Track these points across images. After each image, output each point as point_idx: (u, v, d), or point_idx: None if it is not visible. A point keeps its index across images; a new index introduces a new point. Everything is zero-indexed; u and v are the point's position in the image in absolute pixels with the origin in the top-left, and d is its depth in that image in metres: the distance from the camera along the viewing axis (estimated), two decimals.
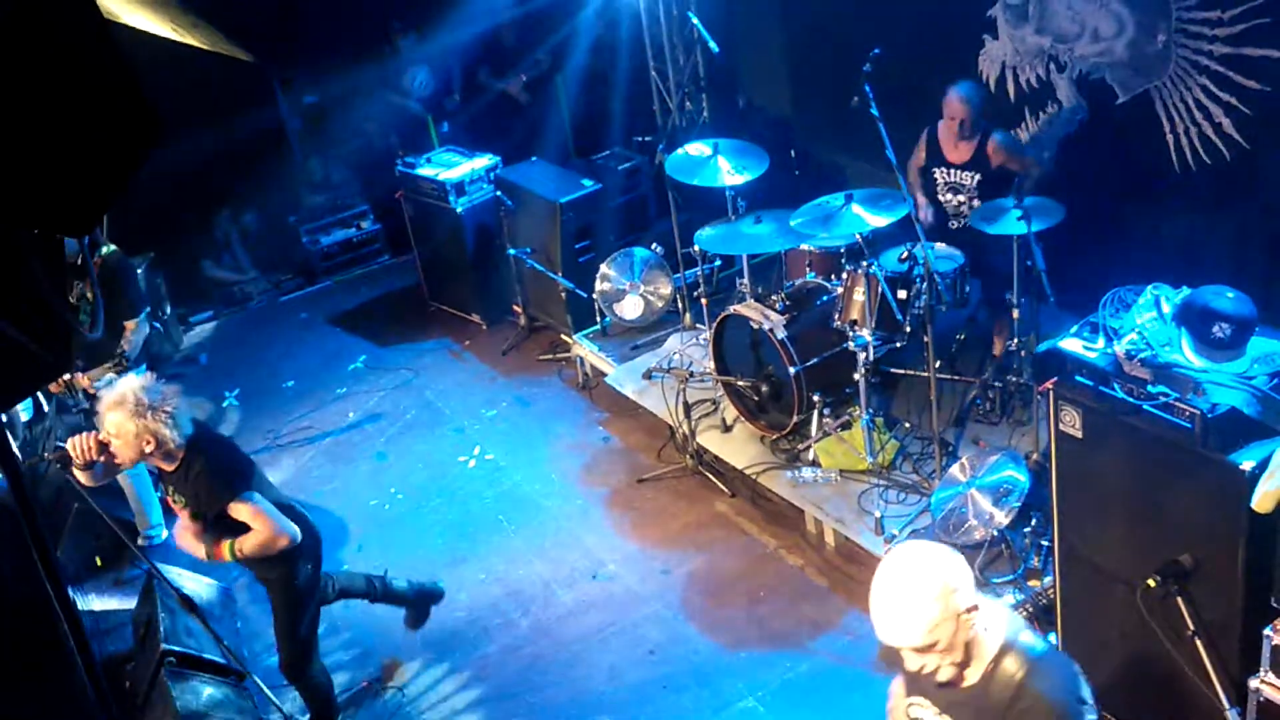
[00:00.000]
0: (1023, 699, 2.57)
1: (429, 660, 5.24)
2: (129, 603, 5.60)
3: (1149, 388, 3.75)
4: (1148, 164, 5.79)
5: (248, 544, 4.22)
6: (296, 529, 4.27)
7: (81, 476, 4.25)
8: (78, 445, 4.08)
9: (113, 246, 5.70)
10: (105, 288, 5.66)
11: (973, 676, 2.64)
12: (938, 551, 2.60)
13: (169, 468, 4.22)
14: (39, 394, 6.17)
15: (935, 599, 2.53)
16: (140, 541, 6.04)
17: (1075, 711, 2.57)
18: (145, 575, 5.42)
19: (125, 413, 4.04)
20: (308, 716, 4.81)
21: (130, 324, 5.69)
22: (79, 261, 5.43)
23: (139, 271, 7.30)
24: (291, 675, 4.61)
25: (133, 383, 4.12)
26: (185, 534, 4.33)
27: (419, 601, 5.23)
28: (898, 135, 5.18)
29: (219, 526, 4.26)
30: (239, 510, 4.18)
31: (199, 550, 4.31)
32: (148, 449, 4.10)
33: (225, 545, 4.24)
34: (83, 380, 5.60)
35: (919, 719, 2.83)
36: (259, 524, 4.20)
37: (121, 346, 5.63)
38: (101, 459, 4.13)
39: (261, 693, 4.78)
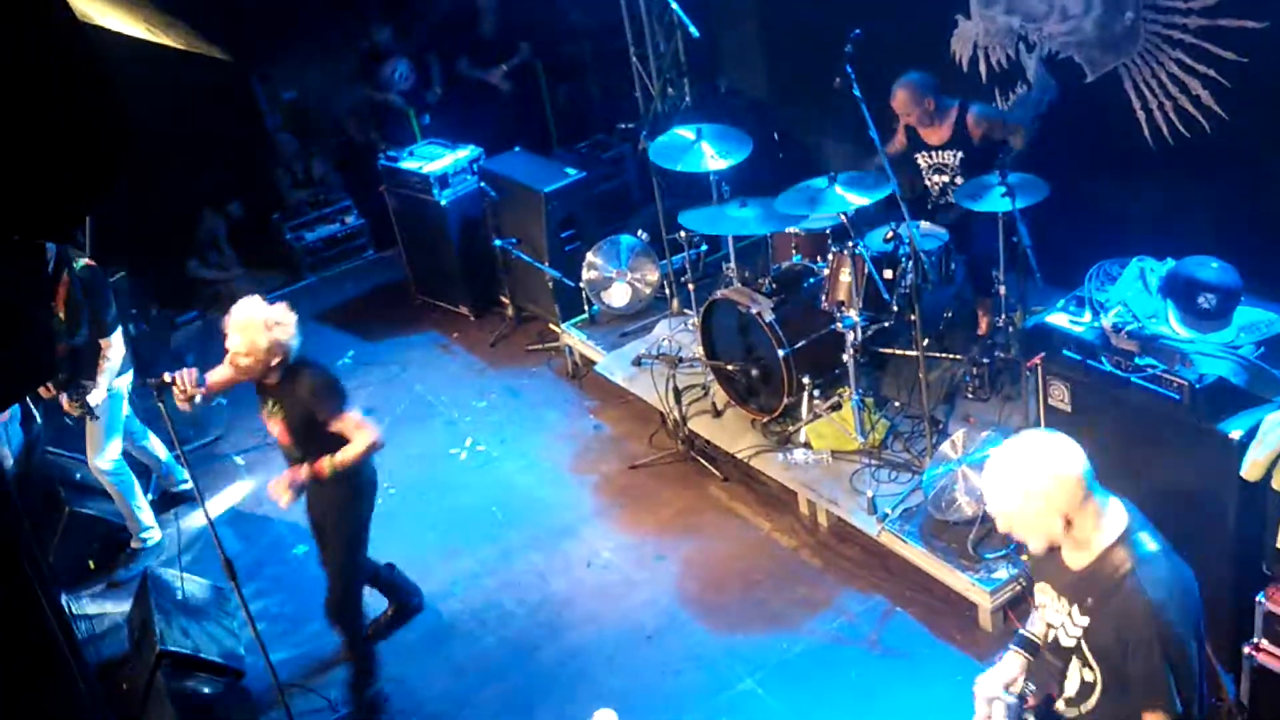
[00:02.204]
0: (1123, 590, 2.73)
1: (426, 653, 5.24)
2: (123, 605, 5.59)
3: (1136, 360, 3.77)
4: (1122, 140, 5.80)
5: (350, 452, 4.43)
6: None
7: (183, 406, 4.54)
8: (183, 380, 4.42)
9: (83, 261, 5.52)
10: (75, 304, 5.54)
11: (1082, 561, 2.83)
12: (1051, 451, 2.78)
13: (273, 381, 4.47)
14: (28, 400, 6.14)
15: (1020, 486, 2.76)
16: (134, 545, 6.02)
17: (1169, 610, 2.69)
18: (139, 577, 5.40)
19: (256, 330, 4.34)
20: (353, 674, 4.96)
21: (106, 342, 5.57)
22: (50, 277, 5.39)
23: (122, 274, 7.27)
24: (337, 616, 4.78)
25: (255, 302, 4.43)
26: (278, 483, 4.49)
27: (404, 599, 5.37)
28: (879, 116, 5.18)
29: (308, 441, 4.48)
30: (346, 421, 4.44)
31: (286, 487, 4.45)
32: (275, 361, 4.39)
33: (324, 461, 4.43)
34: (64, 404, 5.58)
35: (1042, 603, 3.04)
36: (362, 432, 4.45)
37: (85, 399, 5.54)
38: (198, 394, 4.47)
39: (259, 689, 4.79)
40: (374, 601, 5.29)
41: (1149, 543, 2.78)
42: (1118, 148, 5.87)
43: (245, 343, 4.37)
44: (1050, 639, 2.99)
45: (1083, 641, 2.86)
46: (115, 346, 5.61)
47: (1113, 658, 2.80)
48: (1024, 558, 3.22)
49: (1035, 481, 2.73)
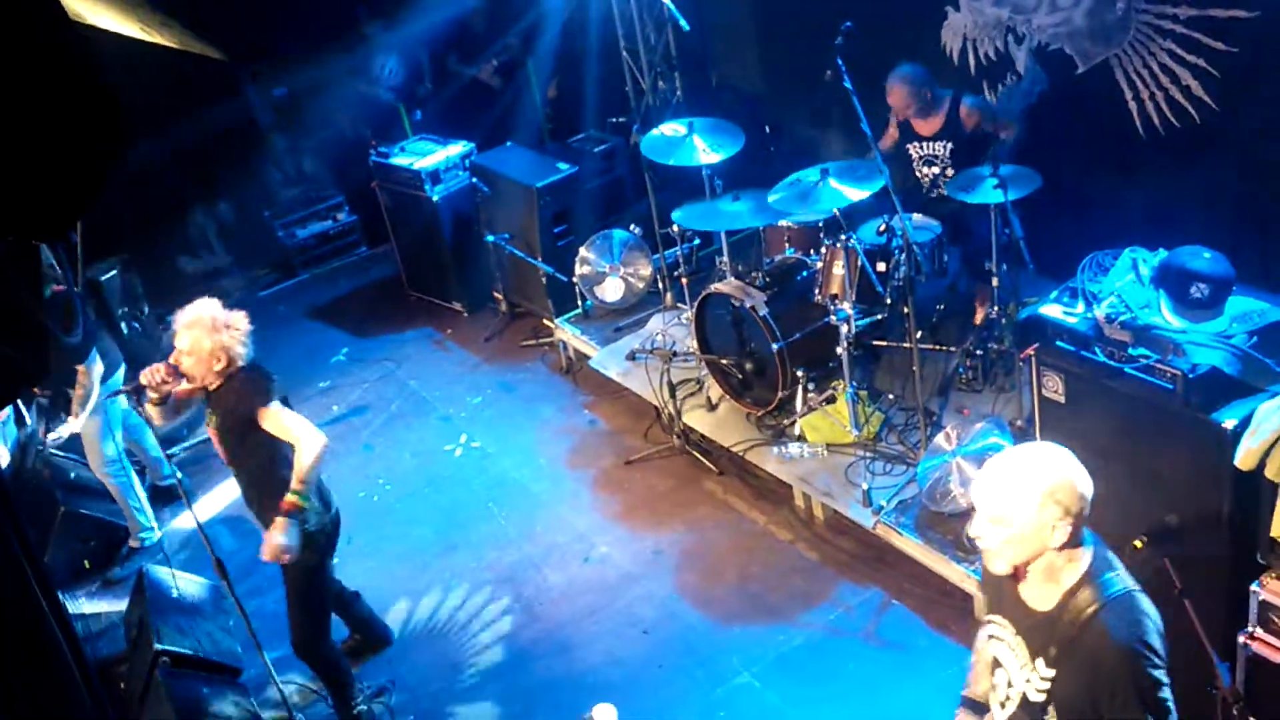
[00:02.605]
0: (1090, 633, 2.57)
1: (423, 648, 5.25)
2: (119, 604, 5.59)
3: (1130, 350, 3.78)
4: (1113, 131, 5.81)
5: (301, 470, 4.21)
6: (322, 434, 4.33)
7: (154, 414, 4.40)
8: (150, 375, 4.23)
9: (50, 288, 5.41)
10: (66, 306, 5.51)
11: (1050, 601, 2.65)
12: (1071, 461, 2.62)
13: (216, 388, 4.31)
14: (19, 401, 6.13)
15: (1042, 484, 2.55)
16: (133, 544, 6.02)
17: (1138, 655, 2.55)
18: (135, 576, 5.40)
19: (202, 329, 4.19)
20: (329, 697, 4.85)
21: (81, 369, 5.52)
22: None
23: (114, 273, 7.24)
24: (303, 653, 4.62)
25: (209, 303, 4.29)
26: (265, 548, 4.27)
27: (369, 639, 5.24)
28: (870, 108, 5.19)
29: (239, 450, 4.33)
30: (268, 416, 4.22)
31: (278, 534, 4.22)
32: (218, 366, 4.24)
33: (288, 497, 4.22)
34: (41, 432, 5.59)
35: (995, 635, 2.84)
36: (294, 430, 4.23)
37: (58, 431, 5.51)
38: (172, 388, 4.28)
39: (257, 687, 4.79)
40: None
41: (1116, 581, 2.62)
42: (1109, 138, 5.89)
43: (190, 341, 4.21)
44: (1018, 697, 2.78)
45: (1050, 695, 2.68)
46: (90, 372, 5.59)
47: (1082, 711, 2.63)
48: (978, 588, 2.97)
49: (1057, 485, 2.55)
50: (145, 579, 5.24)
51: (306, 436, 4.25)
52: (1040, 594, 2.68)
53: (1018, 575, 2.71)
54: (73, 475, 6.12)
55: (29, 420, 6.38)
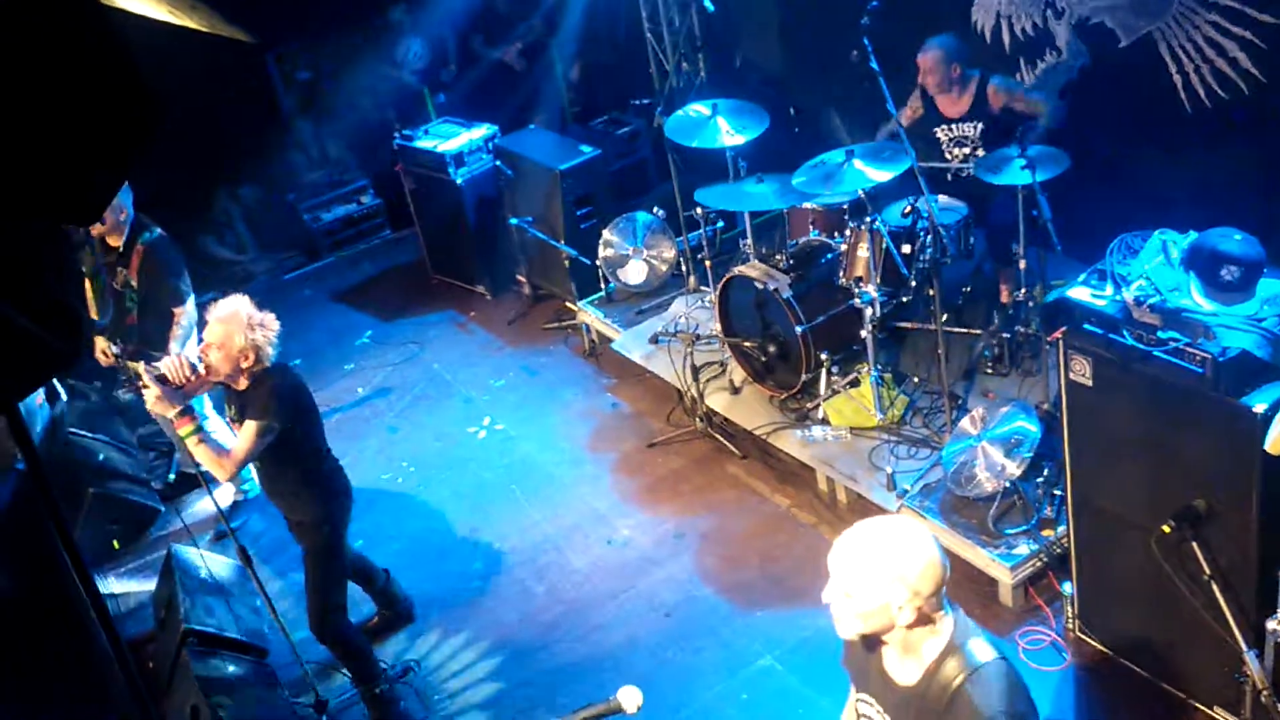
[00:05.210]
0: (957, 704, 2.50)
1: (447, 630, 5.28)
2: (148, 584, 5.65)
3: (1159, 333, 3.74)
4: (1156, 106, 5.72)
5: (234, 448, 4.29)
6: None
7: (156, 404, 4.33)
8: (173, 366, 4.25)
9: (158, 231, 5.59)
10: (148, 274, 5.60)
11: (913, 676, 2.60)
12: (926, 543, 2.53)
13: (242, 387, 4.35)
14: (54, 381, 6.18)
15: (891, 566, 2.50)
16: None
17: None
18: (164, 556, 5.45)
19: (236, 325, 4.23)
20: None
21: (179, 309, 5.61)
22: (122, 248, 5.48)
23: None
24: (321, 634, 4.64)
25: (242, 300, 4.32)
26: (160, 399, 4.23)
27: (397, 614, 5.30)
28: (895, 89, 5.14)
29: (267, 451, 4.37)
30: (245, 430, 4.28)
31: (161, 395, 4.20)
32: (244, 364, 4.28)
33: (190, 419, 4.22)
34: (140, 371, 5.61)
35: (866, 715, 2.78)
36: (241, 450, 4.27)
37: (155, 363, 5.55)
38: (191, 379, 4.29)
39: (283, 667, 4.84)
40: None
41: (981, 651, 2.54)
42: (1148, 116, 5.79)
43: (221, 334, 4.23)
44: None
45: None
46: (187, 314, 5.66)
47: None
48: (843, 663, 2.88)
49: (907, 568, 2.49)
50: (173, 559, 5.29)
51: (234, 462, 4.29)
52: (903, 668, 2.62)
53: (876, 646, 2.66)
54: (101, 457, 6.18)
55: (62, 399, 6.44)
